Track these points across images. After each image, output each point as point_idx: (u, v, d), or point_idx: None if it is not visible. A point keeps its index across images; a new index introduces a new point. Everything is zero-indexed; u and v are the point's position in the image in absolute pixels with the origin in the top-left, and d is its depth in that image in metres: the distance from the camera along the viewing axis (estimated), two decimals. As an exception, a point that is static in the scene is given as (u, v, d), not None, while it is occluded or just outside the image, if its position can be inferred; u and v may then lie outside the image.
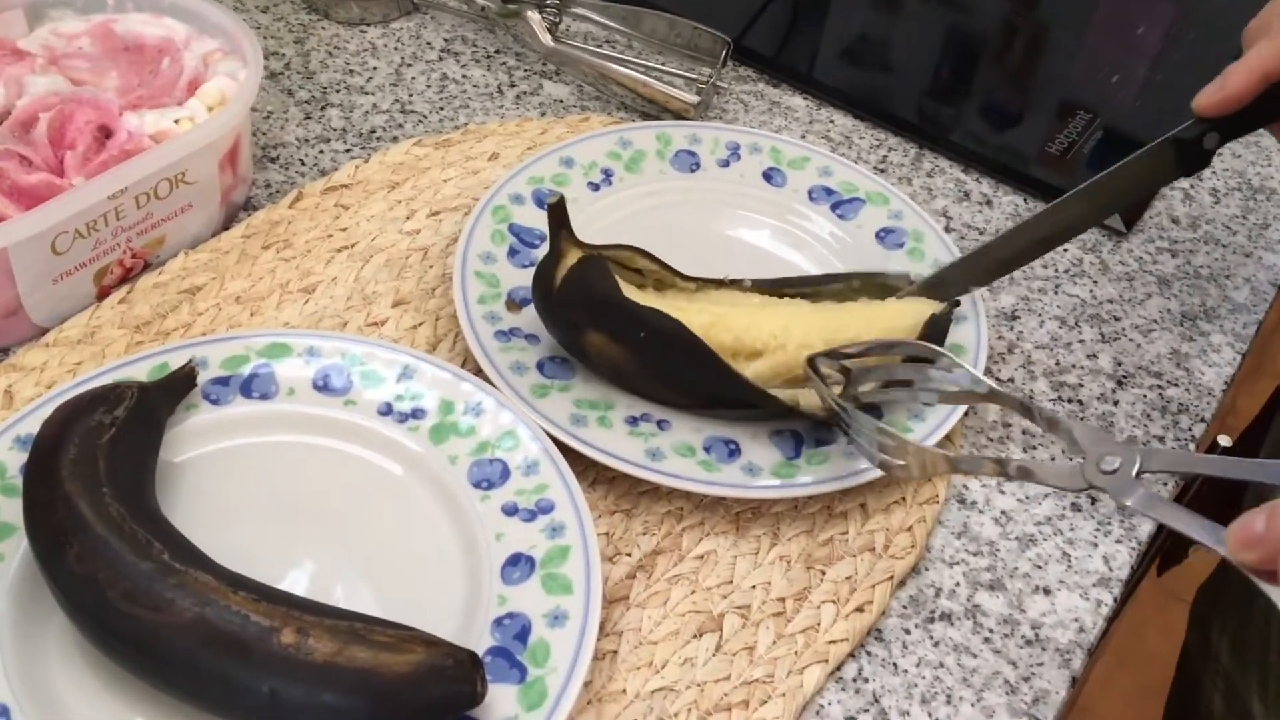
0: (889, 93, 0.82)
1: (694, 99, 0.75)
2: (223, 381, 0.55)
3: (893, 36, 0.90)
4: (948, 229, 0.72)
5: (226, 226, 0.66)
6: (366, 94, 0.75)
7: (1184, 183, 0.78)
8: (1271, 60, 0.54)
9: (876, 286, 0.62)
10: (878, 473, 0.55)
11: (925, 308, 0.59)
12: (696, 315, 0.57)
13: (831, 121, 0.79)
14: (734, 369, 0.55)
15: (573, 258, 0.56)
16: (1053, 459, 0.61)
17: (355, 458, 0.55)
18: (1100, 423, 0.63)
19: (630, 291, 0.56)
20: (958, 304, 0.60)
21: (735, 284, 0.61)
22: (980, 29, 0.91)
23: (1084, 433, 0.46)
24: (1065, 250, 0.72)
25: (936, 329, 0.59)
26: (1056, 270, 0.71)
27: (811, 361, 0.54)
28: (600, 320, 0.56)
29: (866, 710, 0.50)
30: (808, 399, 0.56)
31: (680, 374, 0.57)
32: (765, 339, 0.57)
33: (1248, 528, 0.36)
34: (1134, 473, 0.44)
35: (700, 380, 0.56)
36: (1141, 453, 0.44)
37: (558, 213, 0.56)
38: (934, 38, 0.89)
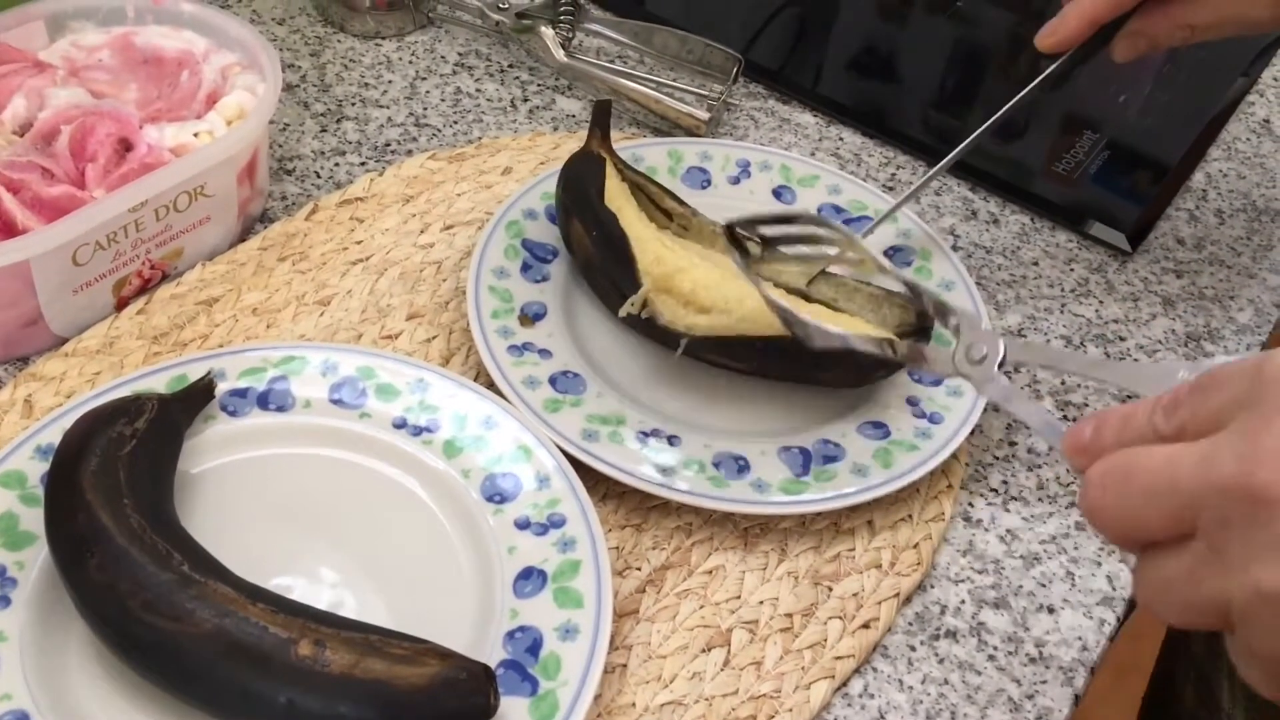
0: (896, 110, 0.83)
1: (705, 115, 0.76)
2: (240, 394, 0.56)
3: (897, 49, 0.91)
4: (955, 247, 0.73)
5: (243, 238, 0.67)
6: (381, 107, 0.76)
7: (1189, 202, 0.79)
8: (1102, 8, 0.61)
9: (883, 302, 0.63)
10: (886, 490, 0.56)
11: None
12: (673, 257, 0.61)
13: (841, 139, 0.79)
14: (639, 278, 0.59)
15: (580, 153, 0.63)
16: (1056, 478, 0.61)
17: (370, 470, 0.55)
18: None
19: (649, 227, 0.62)
20: (914, 374, 0.61)
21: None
22: (987, 48, 0.92)
23: (962, 319, 0.47)
24: (1072, 269, 0.73)
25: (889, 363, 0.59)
26: (1062, 289, 0.72)
27: (730, 229, 0.55)
28: (581, 211, 0.62)
29: (872, 726, 0.51)
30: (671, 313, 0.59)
31: (613, 275, 0.61)
32: (716, 300, 0.59)
33: (1079, 434, 0.37)
34: (996, 364, 0.45)
35: (624, 291, 0.60)
36: (1007, 342, 0.45)
37: (602, 111, 0.64)
38: (941, 56, 0.90)
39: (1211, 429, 0.32)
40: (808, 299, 0.63)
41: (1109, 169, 0.79)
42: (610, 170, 0.65)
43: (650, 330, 0.61)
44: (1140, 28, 0.61)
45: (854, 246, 0.53)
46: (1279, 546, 0.30)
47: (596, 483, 0.56)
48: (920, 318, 0.62)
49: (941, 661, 0.54)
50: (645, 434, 0.58)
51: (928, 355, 0.47)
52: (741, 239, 0.55)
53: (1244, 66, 0.90)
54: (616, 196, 0.64)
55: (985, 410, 0.62)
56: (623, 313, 0.59)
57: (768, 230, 0.56)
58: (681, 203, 0.66)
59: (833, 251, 0.55)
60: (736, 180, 0.72)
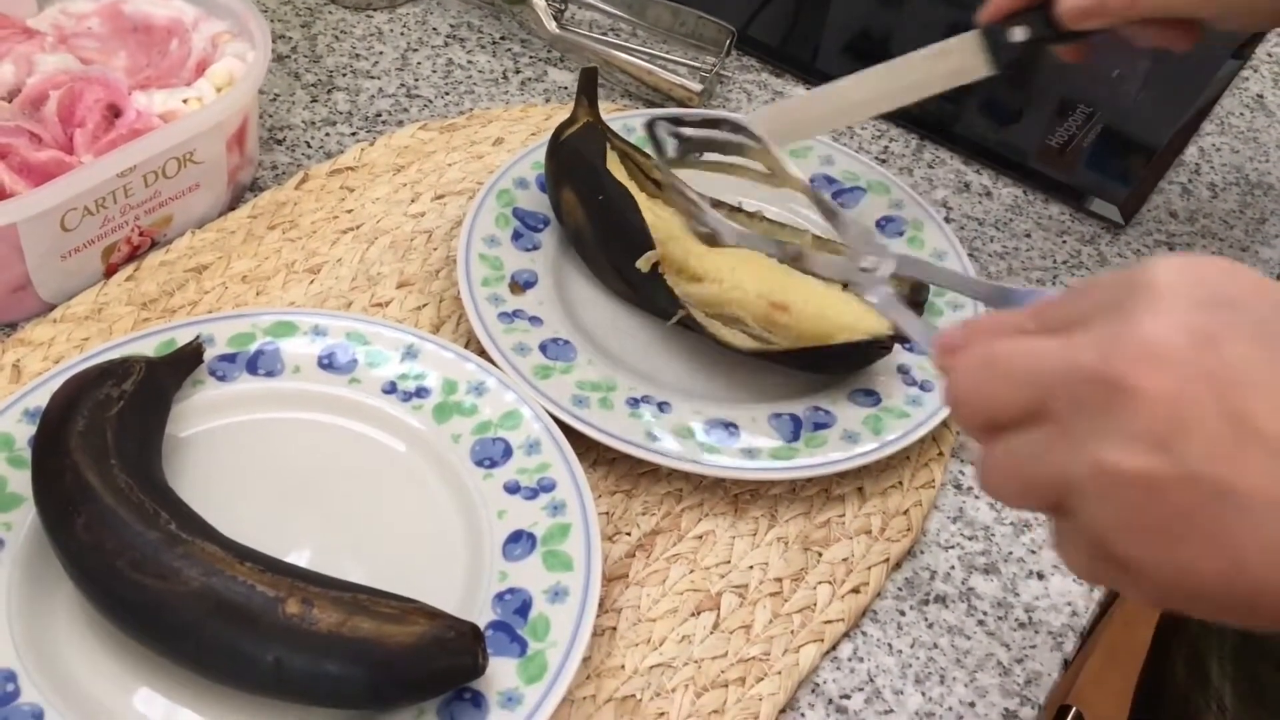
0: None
1: (698, 87, 0.76)
2: (229, 358, 0.56)
3: (895, 28, 0.90)
4: (948, 219, 0.73)
5: (233, 207, 0.66)
6: (372, 78, 0.76)
7: (1181, 176, 0.79)
8: None
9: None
10: (876, 457, 0.56)
11: (873, 322, 0.59)
12: (665, 225, 0.61)
13: (834, 112, 0.79)
14: (650, 240, 0.59)
15: (582, 123, 0.64)
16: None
17: (359, 435, 0.55)
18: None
19: (640, 195, 0.62)
20: (907, 342, 0.60)
21: (750, 215, 0.65)
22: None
23: (855, 231, 0.48)
24: (1064, 242, 0.73)
25: (874, 350, 0.59)
26: (1055, 261, 0.72)
27: (650, 125, 0.55)
28: (577, 178, 0.62)
29: (861, 689, 0.51)
30: (701, 304, 0.60)
31: (616, 243, 0.61)
32: (708, 269, 0.60)
33: (950, 336, 0.38)
34: (886, 275, 0.46)
35: (625, 257, 0.60)
36: (896, 258, 0.47)
37: (589, 79, 0.64)
38: (936, 30, 0.89)
39: (1078, 328, 0.34)
40: (806, 272, 0.63)
41: (1102, 143, 0.79)
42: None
43: (643, 300, 0.61)
44: None
45: (767, 156, 0.54)
46: (1124, 429, 0.31)
47: (587, 449, 0.56)
48: (914, 290, 0.62)
49: (931, 626, 0.54)
50: (635, 400, 0.58)
51: (819, 263, 0.49)
52: (660, 138, 0.55)
53: (1234, 48, 0.90)
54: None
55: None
56: (643, 265, 0.59)
57: (689, 131, 0.55)
58: (672, 176, 0.65)
59: (749, 161, 0.55)
60: (728, 151, 0.71)
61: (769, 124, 0.66)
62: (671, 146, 0.55)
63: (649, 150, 0.56)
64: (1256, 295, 0.33)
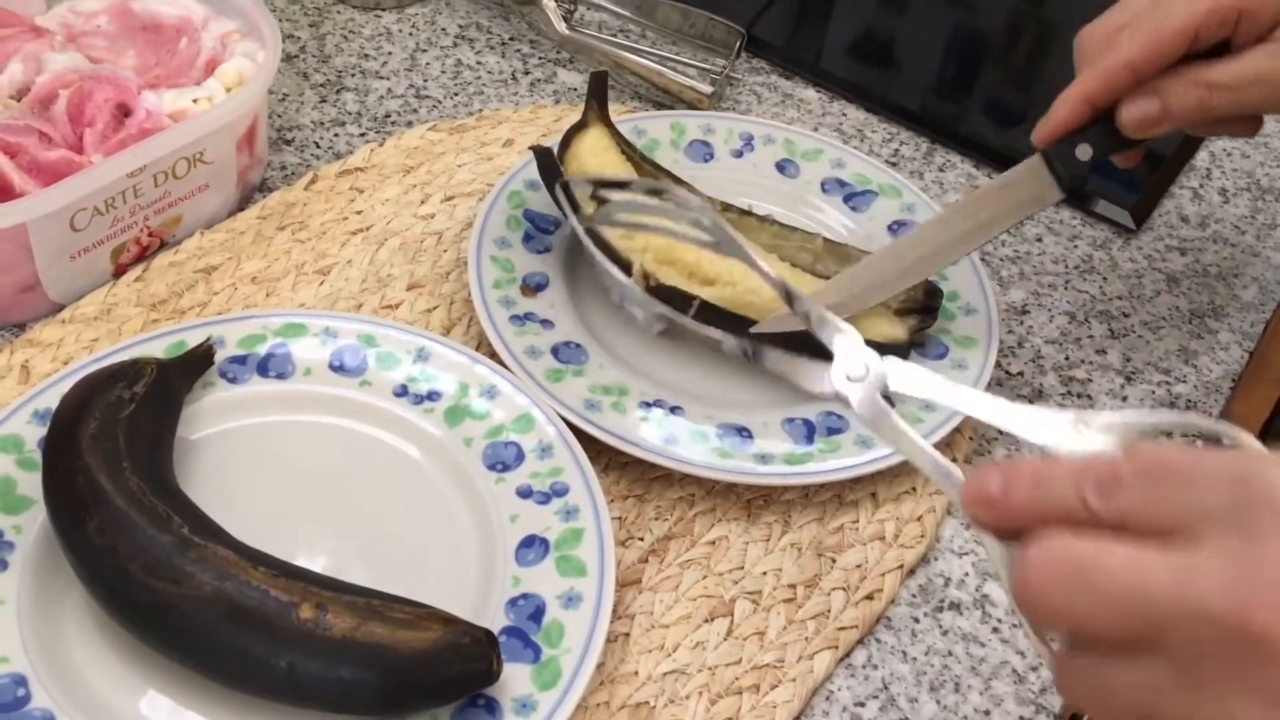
0: (899, 87, 0.83)
1: (708, 89, 0.76)
2: (240, 360, 0.56)
3: (897, 29, 0.90)
4: (959, 223, 0.72)
5: (242, 207, 0.66)
6: (381, 79, 0.76)
7: (1192, 181, 0.79)
8: (1093, 84, 0.55)
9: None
10: (890, 462, 0.56)
11: (887, 328, 0.60)
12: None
13: (844, 114, 0.79)
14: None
15: (595, 132, 0.64)
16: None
17: (370, 438, 0.55)
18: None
19: None
20: (920, 344, 0.60)
21: (761, 219, 0.64)
22: (987, 27, 0.92)
23: (842, 341, 0.43)
24: (1075, 247, 0.73)
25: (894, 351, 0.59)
26: (1066, 266, 0.71)
27: (565, 185, 0.53)
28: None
29: (875, 696, 0.51)
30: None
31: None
32: (720, 272, 0.60)
33: (983, 487, 0.34)
34: (879, 390, 0.41)
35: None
36: (889, 365, 0.42)
37: (599, 83, 0.64)
38: (942, 34, 0.89)
39: (1171, 531, 0.30)
40: (818, 276, 0.63)
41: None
42: (607, 143, 0.64)
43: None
44: (1153, 85, 0.54)
45: (710, 228, 0.49)
46: (1264, 688, 0.29)
47: (599, 453, 0.56)
48: (929, 295, 0.61)
49: (945, 633, 0.53)
50: (648, 404, 0.57)
51: (802, 371, 0.44)
52: (574, 197, 0.53)
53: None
54: (612, 167, 0.63)
55: (990, 385, 0.61)
56: (634, 282, 0.58)
57: (614, 195, 0.52)
58: (680, 181, 0.65)
59: (679, 226, 0.51)
60: (739, 154, 0.71)
61: (838, 295, 0.60)
62: (588, 204, 0.54)
63: (563, 209, 0.54)
64: None
